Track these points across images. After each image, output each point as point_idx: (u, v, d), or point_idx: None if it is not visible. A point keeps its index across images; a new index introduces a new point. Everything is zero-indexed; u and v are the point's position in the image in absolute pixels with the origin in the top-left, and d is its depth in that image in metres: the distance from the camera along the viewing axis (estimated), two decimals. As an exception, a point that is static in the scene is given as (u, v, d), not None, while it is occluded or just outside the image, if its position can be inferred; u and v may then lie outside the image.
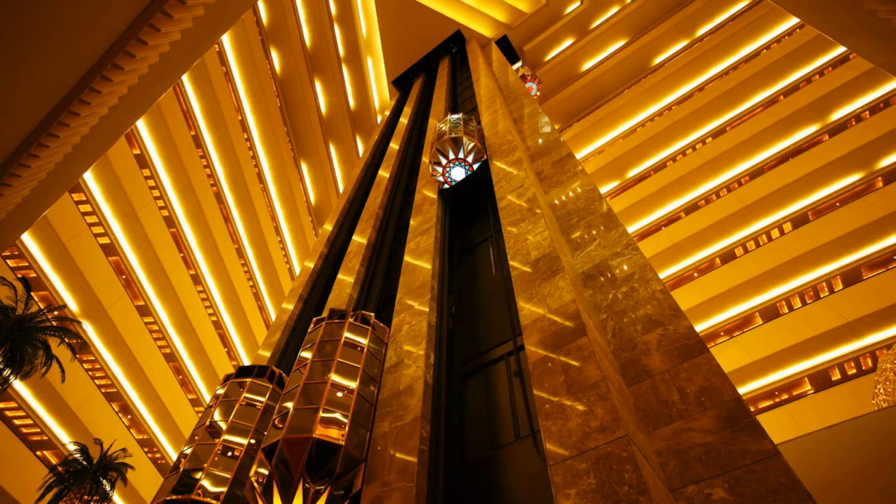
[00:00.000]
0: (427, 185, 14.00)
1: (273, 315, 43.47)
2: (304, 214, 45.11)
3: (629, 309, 6.30)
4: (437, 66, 35.04)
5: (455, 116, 13.65)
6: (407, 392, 7.02)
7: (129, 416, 31.74)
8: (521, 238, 8.24)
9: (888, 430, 8.66)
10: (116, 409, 30.63)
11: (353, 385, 7.03)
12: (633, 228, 30.72)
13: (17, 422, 26.01)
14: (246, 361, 39.72)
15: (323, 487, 5.79)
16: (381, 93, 40.26)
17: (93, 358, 29.15)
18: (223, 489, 7.72)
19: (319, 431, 6.07)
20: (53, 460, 26.18)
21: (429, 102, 27.74)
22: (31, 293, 20.81)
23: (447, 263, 10.79)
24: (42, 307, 22.52)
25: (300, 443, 5.94)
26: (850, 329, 20.64)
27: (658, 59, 35.51)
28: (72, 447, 23.92)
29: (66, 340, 20.94)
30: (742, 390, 22.28)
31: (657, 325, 5.80)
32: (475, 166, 12.57)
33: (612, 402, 4.62)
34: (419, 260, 10.38)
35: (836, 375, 21.19)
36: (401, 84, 38.76)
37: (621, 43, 36.42)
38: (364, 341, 7.97)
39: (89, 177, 26.99)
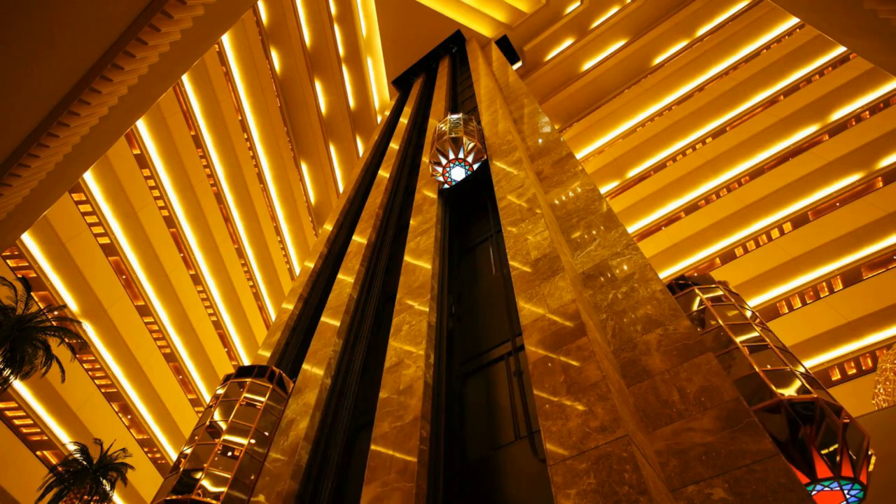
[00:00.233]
0: (427, 185, 14.00)
1: (273, 315, 43.48)
2: (304, 214, 45.12)
3: (629, 309, 6.31)
4: (437, 66, 35.05)
5: (455, 116, 13.65)
6: (407, 392, 7.02)
7: (129, 416, 31.75)
8: (521, 238, 8.24)
9: (888, 429, 8.67)
10: (116, 409, 30.63)
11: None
12: (633, 228, 30.73)
13: (17, 422, 26.01)
14: (246, 361, 39.72)
15: None
16: (381, 93, 40.26)
17: (93, 358, 29.16)
18: (223, 489, 7.73)
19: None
20: (53, 460, 26.18)
21: (429, 102, 27.74)
22: (31, 293, 20.81)
23: (447, 263, 10.79)
24: (42, 307, 22.52)
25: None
26: (850, 329, 20.64)
27: (658, 59, 35.51)
28: (72, 447, 23.92)
29: (66, 340, 20.95)
30: (742, 390, 22.25)
31: (657, 325, 5.80)
32: (475, 166, 12.58)
33: (612, 402, 4.62)
34: (419, 260, 10.38)
35: (836, 375, 21.19)
36: (401, 84, 38.77)
37: (621, 43, 36.43)
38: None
39: (89, 177, 26.99)
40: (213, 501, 7.54)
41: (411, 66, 38.07)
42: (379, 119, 39.32)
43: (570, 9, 36.85)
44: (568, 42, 37.81)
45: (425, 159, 16.15)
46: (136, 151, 29.69)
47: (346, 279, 12.91)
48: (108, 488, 23.53)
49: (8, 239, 15.88)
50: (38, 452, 26.49)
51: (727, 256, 26.53)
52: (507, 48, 37.15)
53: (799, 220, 24.85)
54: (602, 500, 3.91)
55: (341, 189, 42.74)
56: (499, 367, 7.51)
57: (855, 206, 22.77)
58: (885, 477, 6.51)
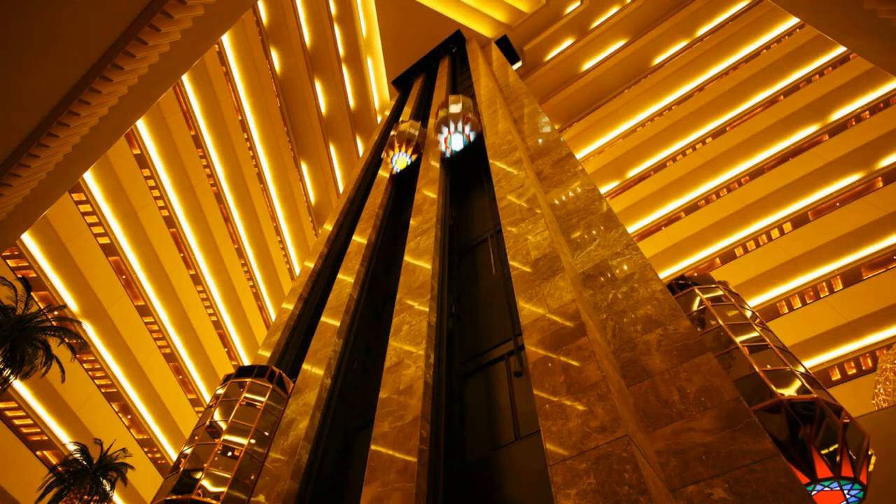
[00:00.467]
0: (427, 185, 14.00)
1: (273, 315, 43.48)
2: (304, 214, 45.12)
3: (629, 309, 6.31)
4: (437, 66, 35.05)
5: (455, 108, 13.73)
6: (407, 392, 7.02)
7: (129, 416, 31.75)
8: (521, 238, 8.24)
9: (888, 429, 8.67)
10: (116, 409, 30.63)
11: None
12: (633, 228, 30.73)
13: (17, 422, 26.01)
14: (246, 361, 39.72)
15: None
16: (381, 93, 40.26)
17: (93, 358, 29.16)
18: (223, 489, 7.73)
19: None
20: (53, 460, 26.18)
21: (429, 102, 27.74)
22: (31, 293, 20.81)
23: (447, 263, 10.79)
24: (42, 307, 22.52)
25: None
26: (850, 329, 20.64)
27: (658, 59, 35.51)
28: (72, 447, 23.92)
29: (66, 340, 20.94)
30: (742, 390, 22.25)
31: (657, 325, 5.80)
32: (472, 136, 12.73)
33: (612, 402, 4.62)
34: (419, 260, 10.38)
35: (836, 375, 21.19)
36: (401, 84, 38.77)
37: (621, 43, 36.43)
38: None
39: (89, 177, 26.99)
40: (213, 501, 7.54)
41: (411, 66, 38.07)
42: (379, 119, 39.32)
43: (570, 9, 36.85)
44: (568, 42, 37.81)
45: (426, 159, 16.15)
46: (136, 151, 29.69)
47: (346, 279, 12.91)
48: (108, 488, 23.53)
49: (8, 239, 15.88)
50: (38, 452, 26.49)
51: (727, 256, 26.53)
52: (507, 48, 37.15)
53: (799, 220, 24.85)
54: (602, 500, 3.91)
55: (341, 189, 42.74)
56: (499, 367, 7.51)
57: (855, 206, 22.76)
58: (885, 477, 6.51)
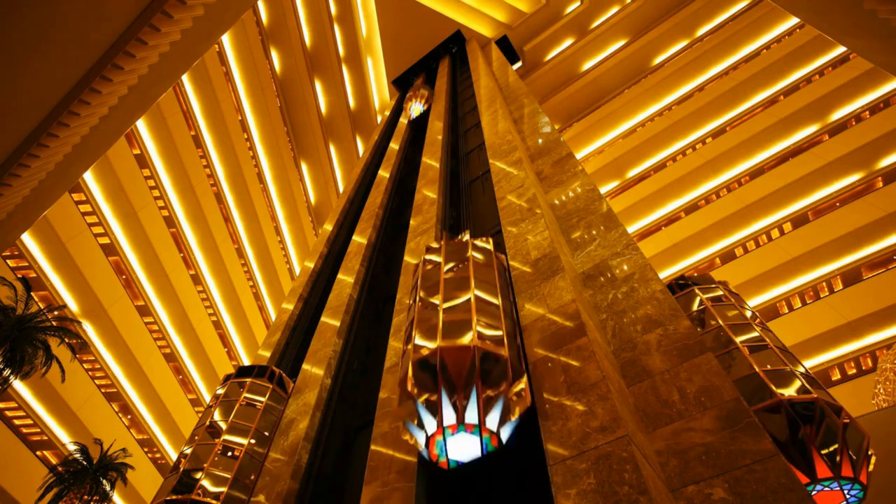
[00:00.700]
0: (427, 185, 14.00)
1: (273, 315, 43.48)
2: (304, 214, 45.12)
3: (629, 309, 6.30)
4: (437, 66, 35.05)
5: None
6: (407, 392, 7.01)
7: (129, 416, 31.75)
8: (521, 238, 8.24)
9: (888, 429, 8.66)
10: (116, 409, 30.63)
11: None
12: (633, 228, 30.72)
13: (17, 422, 26.01)
14: (246, 361, 39.72)
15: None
16: (381, 93, 40.26)
17: (93, 358, 29.16)
18: (223, 489, 7.72)
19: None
20: (53, 460, 26.18)
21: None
22: (31, 293, 20.81)
23: (447, 263, 10.76)
24: (42, 307, 22.52)
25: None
26: (850, 329, 20.63)
27: (658, 59, 35.51)
28: (72, 447, 23.92)
29: (66, 340, 20.94)
30: (742, 390, 22.25)
31: (657, 325, 5.80)
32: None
33: (612, 402, 4.62)
34: (419, 260, 10.37)
35: (836, 375, 21.19)
36: (401, 84, 38.77)
37: (621, 43, 36.42)
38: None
39: (89, 177, 26.99)
40: (213, 501, 7.54)
41: (411, 66, 38.06)
42: (379, 119, 39.33)
43: (570, 9, 36.85)
44: (568, 42, 37.81)
45: (425, 159, 16.15)
46: (136, 151, 29.70)
47: (346, 279, 12.91)
48: (108, 488, 23.53)
49: (8, 239, 15.88)
50: (38, 452, 26.49)
51: (727, 256, 26.52)
52: (507, 48, 37.15)
53: (799, 220, 24.84)
54: (602, 500, 3.91)
55: (341, 189, 42.75)
56: (499, 367, 7.50)
57: (855, 206, 22.76)
58: (885, 477, 6.51)
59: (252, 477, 8.15)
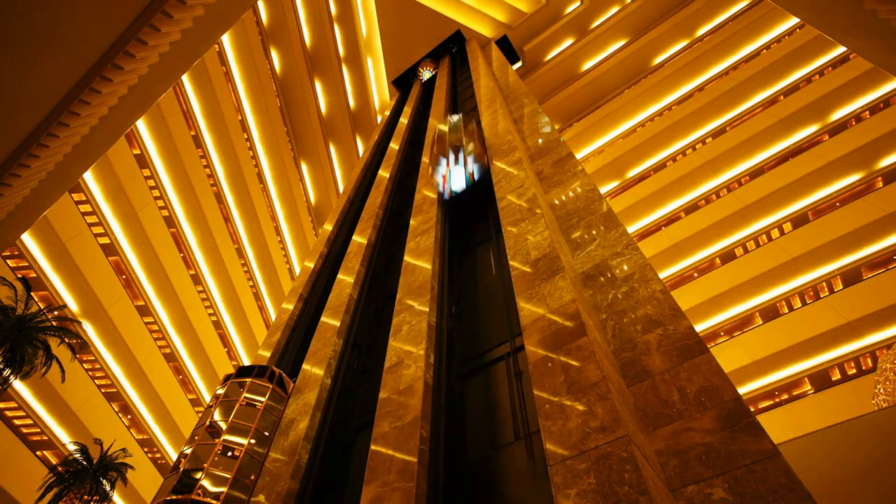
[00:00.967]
0: (427, 185, 14.00)
1: (273, 315, 43.47)
2: (304, 214, 45.12)
3: (629, 309, 6.30)
4: (438, 66, 35.05)
5: (455, 117, 13.67)
6: (407, 392, 7.01)
7: (129, 416, 31.74)
8: (521, 238, 8.24)
9: (888, 429, 8.66)
10: (116, 409, 30.63)
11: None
12: (633, 228, 30.71)
13: (17, 422, 26.01)
14: (246, 361, 39.72)
15: None
16: (381, 93, 40.26)
17: (93, 358, 29.16)
18: (223, 489, 7.72)
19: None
20: (53, 460, 26.18)
21: (429, 102, 27.76)
22: (31, 293, 20.80)
23: (447, 263, 10.79)
24: (42, 307, 22.52)
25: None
26: (850, 329, 20.63)
27: (658, 59, 35.50)
28: (72, 447, 23.91)
29: (66, 340, 20.93)
30: (742, 390, 22.27)
31: (657, 325, 5.80)
32: (475, 171, 12.37)
33: (612, 402, 4.62)
34: (419, 260, 10.38)
35: (836, 375, 21.18)
36: (401, 84, 38.78)
37: (621, 43, 36.42)
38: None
39: (89, 177, 26.99)
40: (213, 501, 7.55)
41: (411, 66, 38.08)
42: (379, 119, 39.33)
43: (570, 9, 36.84)
44: (568, 42, 37.80)
45: (425, 159, 16.16)
46: (136, 151, 29.69)
47: (346, 279, 12.91)
48: (108, 488, 23.52)
49: (8, 239, 15.88)
50: (38, 452, 26.49)
51: (727, 256, 26.51)
52: (507, 48, 37.15)
53: (799, 220, 24.83)
54: (602, 500, 3.91)
55: (341, 189, 42.74)
56: (499, 367, 7.51)
57: (855, 206, 22.75)
58: (886, 476, 6.50)
59: (252, 477, 8.15)
